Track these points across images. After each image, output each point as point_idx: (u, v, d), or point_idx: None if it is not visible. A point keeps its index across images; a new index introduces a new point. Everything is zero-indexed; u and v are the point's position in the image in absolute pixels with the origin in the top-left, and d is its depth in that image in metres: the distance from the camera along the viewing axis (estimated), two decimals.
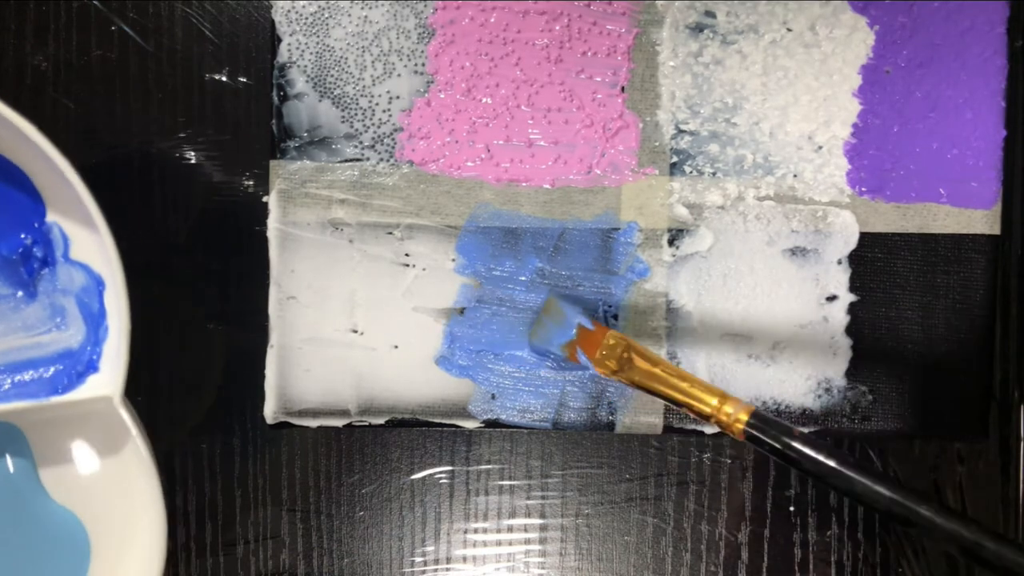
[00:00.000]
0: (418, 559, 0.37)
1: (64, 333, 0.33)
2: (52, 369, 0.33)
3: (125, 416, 0.31)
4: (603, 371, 0.31)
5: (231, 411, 0.36)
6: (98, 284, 0.33)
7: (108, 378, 0.33)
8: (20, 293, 0.33)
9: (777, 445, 0.28)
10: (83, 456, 0.33)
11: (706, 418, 0.30)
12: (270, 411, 0.34)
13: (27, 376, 0.33)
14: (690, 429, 0.35)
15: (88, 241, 0.33)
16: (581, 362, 0.32)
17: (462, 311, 0.34)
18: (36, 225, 0.33)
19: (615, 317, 0.34)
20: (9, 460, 0.33)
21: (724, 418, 0.29)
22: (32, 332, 0.34)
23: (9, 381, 0.33)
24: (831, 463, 0.28)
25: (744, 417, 0.29)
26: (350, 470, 0.37)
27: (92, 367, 0.33)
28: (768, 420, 0.29)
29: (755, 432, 0.29)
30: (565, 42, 0.34)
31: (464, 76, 0.34)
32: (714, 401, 0.29)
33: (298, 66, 0.34)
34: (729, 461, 0.36)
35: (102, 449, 0.33)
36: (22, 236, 0.33)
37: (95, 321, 0.33)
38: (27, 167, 0.32)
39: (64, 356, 0.33)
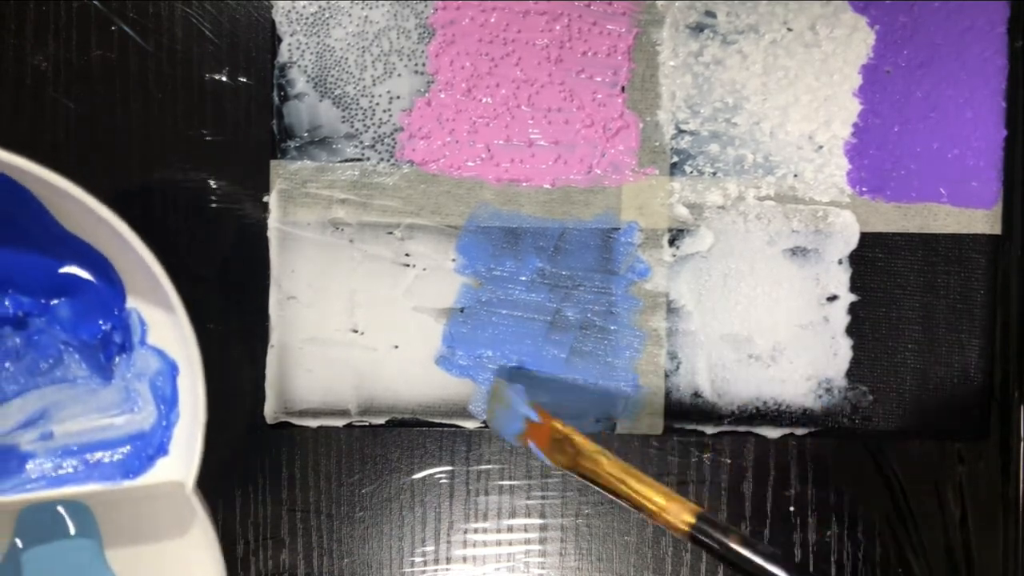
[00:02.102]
0: (418, 559, 0.37)
1: (136, 416, 0.34)
2: (123, 450, 0.34)
3: (195, 502, 0.32)
4: (557, 464, 0.31)
5: (231, 411, 0.36)
6: (172, 369, 0.33)
7: (179, 462, 0.33)
8: (97, 377, 0.34)
9: (719, 549, 0.29)
10: (149, 536, 0.33)
11: (650, 516, 0.30)
12: (270, 411, 0.34)
13: (99, 456, 0.34)
14: (690, 429, 0.35)
15: (165, 326, 0.33)
16: (537, 456, 0.32)
17: (462, 311, 0.34)
18: (116, 311, 0.33)
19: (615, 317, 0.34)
20: (77, 536, 0.33)
21: (669, 518, 0.29)
22: (106, 414, 0.34)
23: (82, 462, 0.34)
24: (775, 570, 0.28)
25: (690, 519, 0.29)
26: (350, 470, 0.37)
27: (162, 450, 0.33)
28: (714, 523, 0.29)
29: (700, 536, 0.29)
30: (565, 42, 0.34)
31: (464, 76, 0.34)
32: (660, 500, 0.29)
33: (298, 66, 0.34)
34: (729, 461, 0.36)
35: (168, 530, 0.33)
36: (102, 323, 0.33)
37: (167, 404, 0.33)
38: (108, 253, 0.33)
39: (135, 438, 0.34)
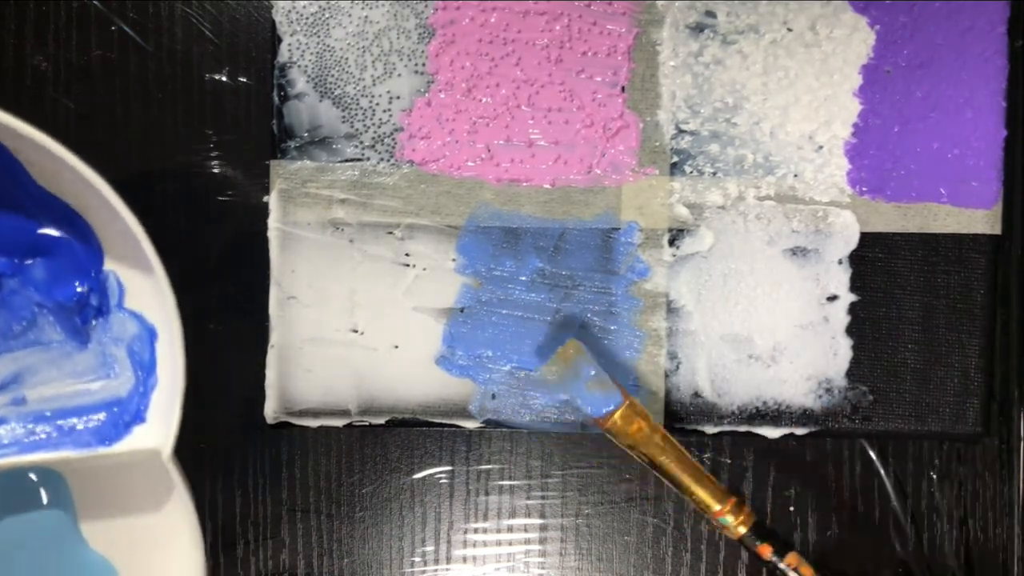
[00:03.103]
0: (418, 559, 0.37)
1: (113, 381, 0.33)
2: (99, 417, 0.33)
3: (172, 471, 0.31)
4: (615, 439, 0.33)
5: (231, 411, 0.36)
6: (151, 334, 0.32)
7: (156, 430, 0.32)
8: (73, 341, 0.33)
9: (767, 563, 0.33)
10: (124, 506, 0.33)
11: (704, 511, 0.33)
12: (270, 411, 0.34)
13: (73, 423, 0.33)
14: (690, 429, 0.35)
15: (143, 290, 0.32)
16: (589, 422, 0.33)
17: (462, 311, 0.34)
18: (93, 273, 0.32)
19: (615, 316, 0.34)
20: (50, 506, 0.33)
21: (726, 528, 0.33)
22: (81, 379, 0.33)
23: (56, 428, 0.33)
24: None
25: (743, 530, 0.33)
26: (350, 470, 0.37)
27: (139, 417, 0.33)
28: (763, 531, 0.33)
29: (748, 545, 0.33)
30: (565, 42, 0.34)
31: (464, 76, 0.34)
32: (717, 507, 0.32)
33: (299, 66, 0.34)
34: (729, 461, 0.36)
35: (144, 500, 0.32)
36: (78, 284, 0.33)
37: (145, 371, 0.33)
38: (88, 214, 0.32)
39: (111, 404, 0.33)
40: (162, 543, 0.32)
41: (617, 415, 0.32)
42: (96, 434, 0.33)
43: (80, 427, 0.33)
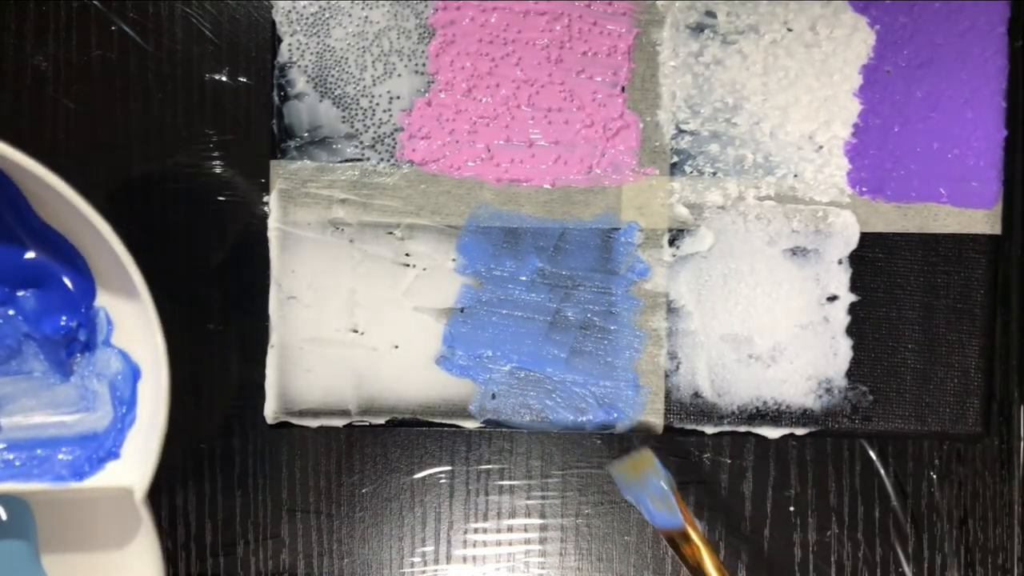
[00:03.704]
0: (418, 559, 0.37)
1: (91, 416, 0.33)
2: (73, 450, 0.33)
3: (143, 511, 0.31)
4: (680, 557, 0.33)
5: (231, 411, 0.36)
6: (134, 372, 0.32)
7: (130, 468, 0.32)
8: (55, 372, 0.33)
9: None
10: (89, 542, 0.32)
11: None
12: (270, 411, 0.34)
13: (47, 453, 0.33)
14: (690, 429, 0.35)
15: (132, 327, 0.32)
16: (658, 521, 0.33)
17: (462, 311, 0.34)
18: (83, 308, 0.32)
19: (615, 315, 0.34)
20: (12, 535, 0.32)
21: None
22: (59, 411, 0.33)
23: (29, 457, 0.33)
24: None
25: None
26: (350, 470, 0.37)
27: (113, 454, 0.32)
28: None
29: None
30: (565, 42, 0.34)
31: (464, 76, 0.34)
32: None
33: (299, 66, 0.34)
34: (729, 461, 0.36)
35: (110, 537, 0.32)
36: (67, 319, 0.32)
37: (124, 407, 0.33)
38: (83, 247, 0.32)
39: (87, 439, 0.33)
40: None
41: (674, 534, 0.33)
42: (69, 467, 0.33)
43: (53, 459, 0.33)
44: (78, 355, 0.33)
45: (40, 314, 0.33)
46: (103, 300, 0.32)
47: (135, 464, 0.32)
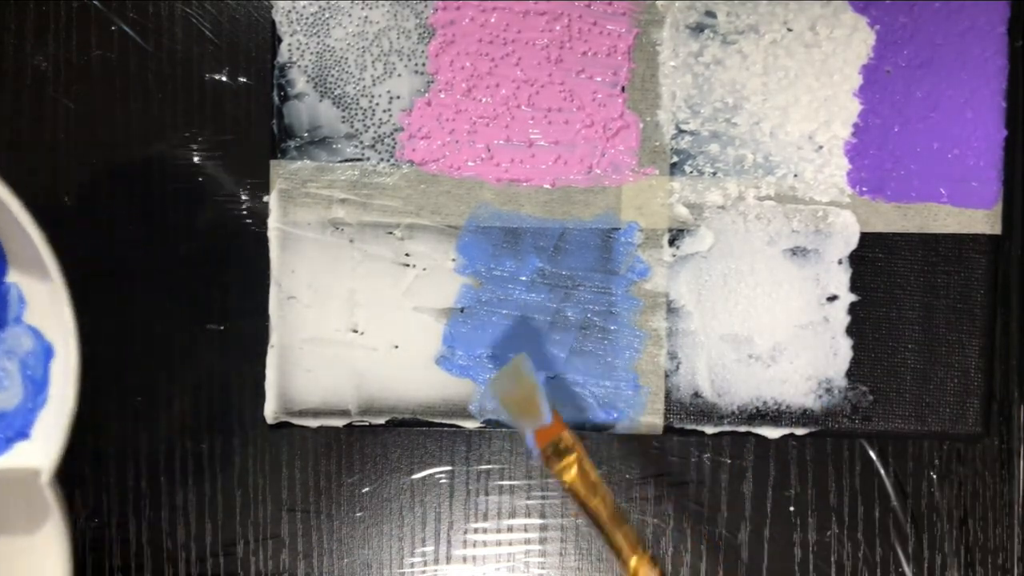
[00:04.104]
0: (418, 559, 0.37)
1: (1, 395, 0.32)
2: None
3: (49, 494, 0.29)
4: (546, 465, 0.31)
5: (231, 411, 0.36)
6: (47, 351, 0.31)
7: (39, 449, 0.31)
8: None
9: None
10: None
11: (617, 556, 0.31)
12: (270, 411, 0.34)
13: None
14: (690, 429, 0.35)
15: (46, 305, 0.31)
16: (527, 442, 0.31)
17: (462, 311, 0.34)
18: None
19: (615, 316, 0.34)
20: None
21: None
22: None
23: None
24: None
25: None
26: (350, 470, 0.37)
27: (23, 434, 0.32)
28: None
29: None
30: (565, 42, 0.34)
31: (464, 76, 0.34)
32: (632, 562, 0.31)
33: (299, 66, 0.34)
34: (729, 461, 0.36)
35: (17, 521, 0.30)
36: None
37: (35, 387, 0.32)
38: None
39: None
40: (29, 569, 0.30)
41: (546, 437, 0.31)
42: None
43: None
44: None
45: None
46: (15, 277, 0.31)
47: (44, 445, 0.31)
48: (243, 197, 0.36)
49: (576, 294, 0.34)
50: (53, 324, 0.31)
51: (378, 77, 0.34)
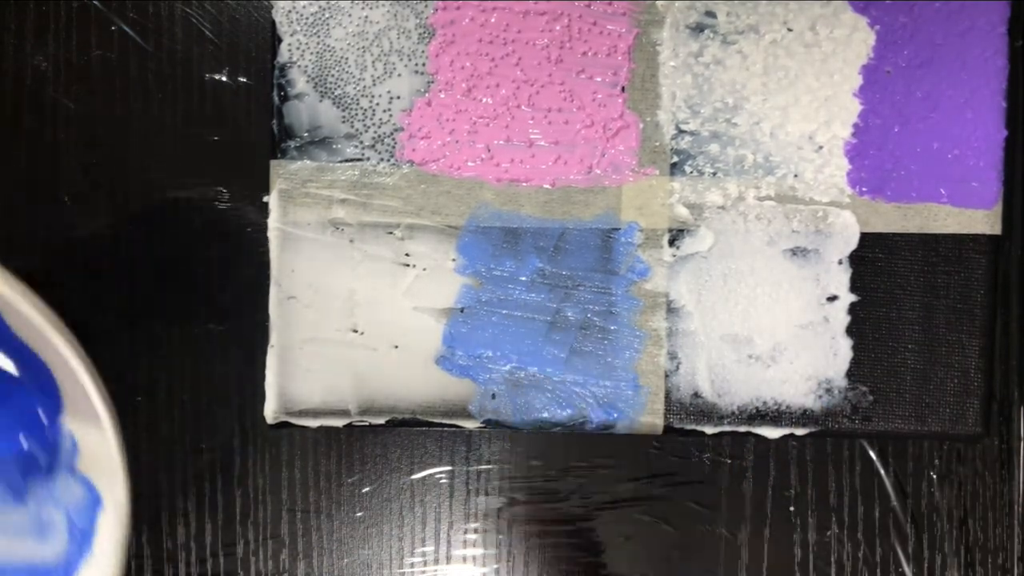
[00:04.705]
0: (418, 559, 0.37)
1: (43, 545, 0.30)
2: None
3: None
4: None
5: (231, 411, 0.36)
6: (96, 503, 0.29)
7: None
8: (8, 496, 0.30)
9: None
10: None
11: None
12: (270, 411, 0.34)
13: None
14: (690, 429, 0.35)
15: (99, 454, 0.29)
16: None
17: (462, 311, 0.34)
18: (46, 430, 0.29)
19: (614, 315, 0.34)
20: None
21: None
22: (7, 536, 0.30)
23: None
24: None
25: None
26: (350, 470, 0.37)
27: None
28: None
29: None
30: (565, 42, 0.34)
31: (464, 76, 0.34)
32: None
33: (299, 66, 0.34)
34: (729, 461, 0.36)
35: None
36: (27, 440, 0.30)
37: (81, 539, 0.30)
38: (51, 363, 0.29)
39: (35, 570, 0.30)
40: None
41: None
42: None
43: None
44: (36, 478, 0.30)
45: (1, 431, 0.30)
46: (70, 422, 0.29)
47: None
48: (256, 196, 0.36)
49: (576, 294, 0.34)
50: (104, 475, 0.29)
51: (378, 77, 0.34)
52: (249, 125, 0.36)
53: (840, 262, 0.34)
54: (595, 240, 0.34)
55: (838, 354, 0.34)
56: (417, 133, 0.34)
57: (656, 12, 0.34)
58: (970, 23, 0.34)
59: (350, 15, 0.34)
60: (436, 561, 0.37)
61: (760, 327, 0.34)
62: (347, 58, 0.34)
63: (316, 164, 0.34)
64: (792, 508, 0.37)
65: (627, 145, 0.34)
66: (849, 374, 0.34)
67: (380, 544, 0.37)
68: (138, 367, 0.36)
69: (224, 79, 0.36)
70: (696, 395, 0.34)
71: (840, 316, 0.34)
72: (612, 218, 0.34)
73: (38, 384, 0.29)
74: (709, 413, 0.34)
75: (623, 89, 0.34)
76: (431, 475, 0.37)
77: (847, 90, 0.34)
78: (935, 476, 0.36)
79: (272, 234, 0.34)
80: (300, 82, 0.34)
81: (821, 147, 0.34)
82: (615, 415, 0.34)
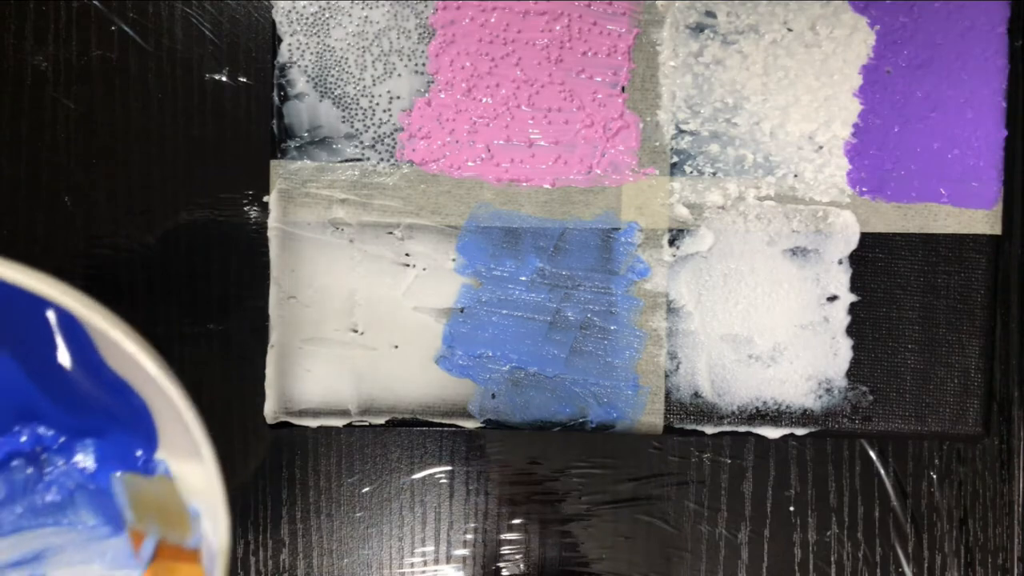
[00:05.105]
0: (418, 559, 0.37)
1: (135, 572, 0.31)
2: None
3: None
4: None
5: (231, 411, 0.36)
6: (198, 540, 0.30)
7: None
8: (107, 526, 0.31)
9: None
10: None
11: None
12: (270, 411, 0.34)
13: None
14: (690, 429, 0.35)
15: (195, 487, 0.30)
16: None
17: (462, 311, 0.34)
18: (143, 461, 0.30)
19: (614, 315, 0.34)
20: None
21: None
22: (106, 566, 0.31)
23: None
24: None
25: None
26: (350, 470, 0.37)
27: None
28: None
29: None
30: (565, 42, 0.34)
31: (464, 76, 0.34)
32: None
33: (299, 66, 0.34)
34: (729, 461, 0.36)
35: None
36: (124, 471, 0.30)
37: None
38: (148, 398, 0.29)
39: None
40: None
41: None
42: None
43: None
44: None
45: (97, 465, 0.31)
46: (164, 454, 0.30)
47: None
48: (256, 196, 0.36)
49: (576, 294, 0.34)
50: (197, 500, 0.30)
51: (378, 77, 0.34)
52: (249, 125, 0.36)
53: (840, 262, 0.34)
54: (595, 240, 0.34)
55: (838, 354, 0.34)
56: (417, 133, 0.34)
57: (656, 12, 0.34)
58: (970, 23, 0.34)
59: (350, 15, 0.34)
60: (436, 561, 0.37)
61: (760, 327, 0.34)
62: (347, 58, 0.34)
63: (316, 164, 0.34)
64: (792, 508, 0.37)
65: (627, 145, 0.34)
66: (849, 374, 0.34)
67: (380, 544, 0.37)
68: None
69: (224, 79, 0.36)
70: (696, 395, 0.34)
71: (840, 316, 0.34)
72: (612, 218, 0.34)
73: (135, 418, 0.30)
74: (709, 413, 0.34)
75: (623, 89, 0.34)
76: (431, 475, 0.37)
77: (847, 90, 0.34)
78: (935, 476, 0.36)
79: (272, 234, 0.34)
80: (300, 82, 0.34)
81: (821, 147, 0.34)
82: (615, 415, 0.34)
